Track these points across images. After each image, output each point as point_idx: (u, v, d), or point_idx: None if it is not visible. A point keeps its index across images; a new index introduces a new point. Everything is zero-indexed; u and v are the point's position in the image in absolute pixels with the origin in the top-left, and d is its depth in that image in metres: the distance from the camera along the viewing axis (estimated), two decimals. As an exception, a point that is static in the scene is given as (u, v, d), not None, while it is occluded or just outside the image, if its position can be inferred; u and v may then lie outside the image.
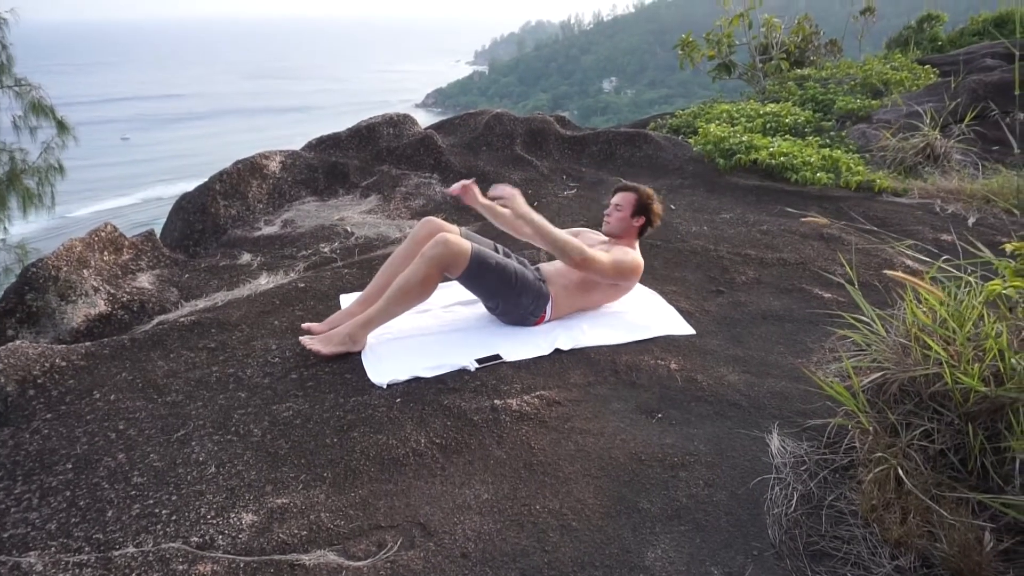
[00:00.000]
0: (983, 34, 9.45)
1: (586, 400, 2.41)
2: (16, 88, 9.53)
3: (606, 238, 3.09)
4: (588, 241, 3.14)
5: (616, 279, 2.94)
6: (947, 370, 1.86)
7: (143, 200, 43.74)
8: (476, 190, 3.02)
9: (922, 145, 5.09)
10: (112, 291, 3.23)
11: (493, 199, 2.93)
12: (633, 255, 2.97)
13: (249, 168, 4.56)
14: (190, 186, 4.53)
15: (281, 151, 4.85)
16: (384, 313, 2.68)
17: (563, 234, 2.81)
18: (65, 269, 3.10)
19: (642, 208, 3.02)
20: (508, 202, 2.83)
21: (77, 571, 1.69)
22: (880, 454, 1.88)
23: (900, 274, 1.98)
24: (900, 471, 1.80)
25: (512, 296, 2.82)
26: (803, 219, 2.88)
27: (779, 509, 1.88)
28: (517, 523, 1.84)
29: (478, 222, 4.25)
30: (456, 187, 3.01)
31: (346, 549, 1.76)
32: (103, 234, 3.47)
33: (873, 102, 6.38)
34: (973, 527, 1.65)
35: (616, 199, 3.06)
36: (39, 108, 9.52)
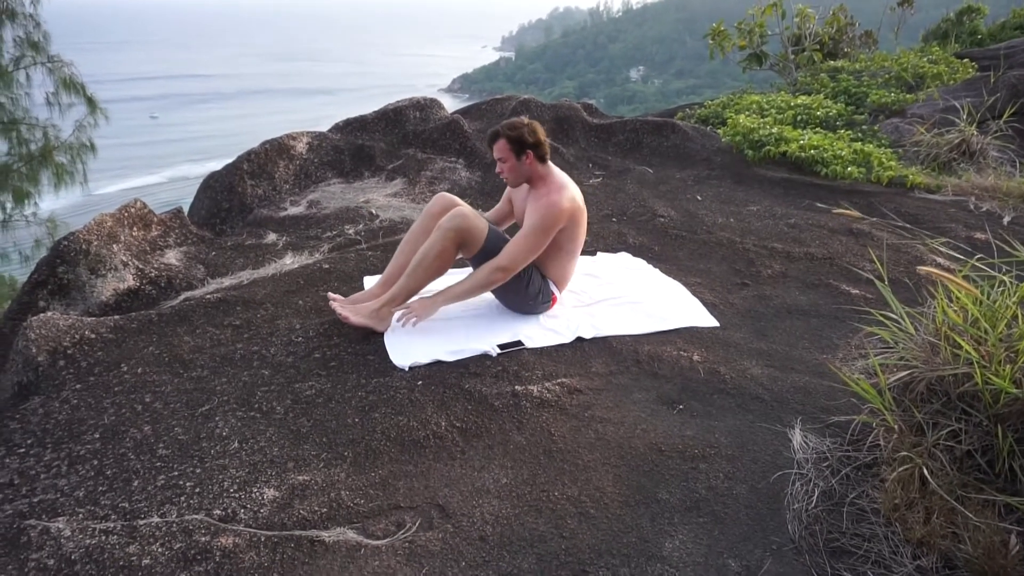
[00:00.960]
0: (1025, 28, 9.19)
1: (607, 389, 2.40)
2: (49, 65, 9.65)
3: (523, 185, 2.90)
4: (518, 199, 2.97)
5: (552, 233, 2.71)
6: (977, 370, 1.83)
7: (170, 179, 44.27)
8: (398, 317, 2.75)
9: (957, 141, 4.98)
10: (140, 266, 3.27)
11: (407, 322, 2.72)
12: (546, 203, 2.70)
13: (276, 148, 4.58)
14: (217, 166, 4.57)
15: (308, 132, 4.87)
16: (406, 289, 2.69)
17: (474, 280, 2.71)
18: (96, 243, 3.15)
19: (519, 145, 2.74)
20: (419, 314, 2.67)
21: (103, 538, 1.73)
22: (905, 453, 1.85)
23: (933, 269, 1.94)
24: (925, 470, 1.77)
25: (521, 284, 2.78)
26: (835, 211, 2.82)
27: (799, 504, 1.86)
28: (535, 508, 1.84)
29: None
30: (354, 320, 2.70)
31: (365, 528, 1.77)
32: (133, 210, 3.52)
33: (908, 96, 6.25)
34: (999, 529, 1.63)
35: (495, 153, 2.79)
36: (70, 85, 9.63)
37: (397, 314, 2.71)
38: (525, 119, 2.84)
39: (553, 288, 2.88)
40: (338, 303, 2.73)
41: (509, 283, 2.75)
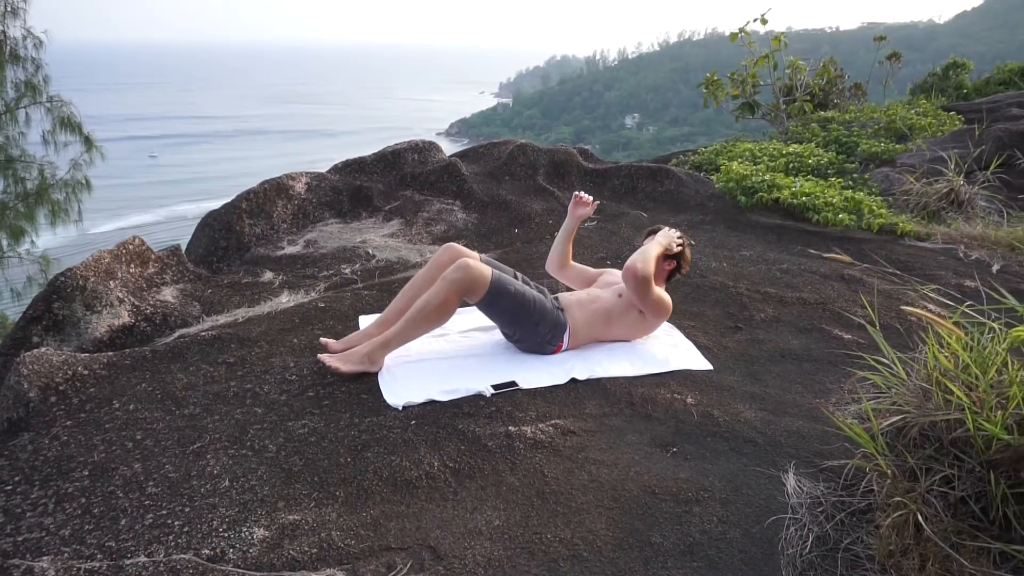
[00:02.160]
0: (1009, 83, 9.46)
1: (601, 431, 2.39)
2: (47, 104, 9.83)
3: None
4: (611, 279, 3.16)
5: (649, 313, 2.94)
6: (969, 416, 1.83)
7: (166, 218, 44.40)
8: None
9: (946, 190, 5.08)
10: (136, 303, 3.28)
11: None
12: (668, 297, 2.99)
13: (275, 188, 4.64)
14: (214, 206, 4.61)
15: (307, 172, 4.93)
16: (403, 335, 2.70)
17: (650, 247, 2.92)
18: (92, 279, 3.16)
19: (675, 254, 3.05)
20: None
21: (88, 578, 1.70)
22: (899, 498, 1.84)
23: (919, 311, 1.96)
24: (920, 517, 1.77)
25: (530, 324, 2.83)
26: (827, 255, 2.87)
27: (794, 550, 1.85)
28: (528, 551, 1.83)
29: (497, 250, 4.28)
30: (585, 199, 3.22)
31: (355, 569, 1.75)
32: (131, 247, 3.54)
33: (897, 146, 6.38)
34: (994, 577, 1.62)
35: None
36: (68, 124, 9.80)
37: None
38: (688, 242, 3.16)
39: (565, 338, 2.90)
40: (327, 357, 2.70)
41: (522, 314, 2.80)
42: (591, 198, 3.22)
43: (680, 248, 3.07)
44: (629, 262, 2.84)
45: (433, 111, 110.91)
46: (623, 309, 2.96)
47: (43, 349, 2.70)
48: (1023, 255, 4.21)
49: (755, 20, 8.59)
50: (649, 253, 2.88)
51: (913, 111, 7.45)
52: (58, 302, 3.06)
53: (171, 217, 44.26)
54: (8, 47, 9.33)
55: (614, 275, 3.19)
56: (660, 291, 2.94)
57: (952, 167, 5.21)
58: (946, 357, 2.06)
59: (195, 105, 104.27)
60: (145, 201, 49.36)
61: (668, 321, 3.25)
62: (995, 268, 4.10)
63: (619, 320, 2.96)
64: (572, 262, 3.37)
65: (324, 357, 2.69)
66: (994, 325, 2.09)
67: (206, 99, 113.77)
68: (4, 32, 9.30)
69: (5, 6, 9.30)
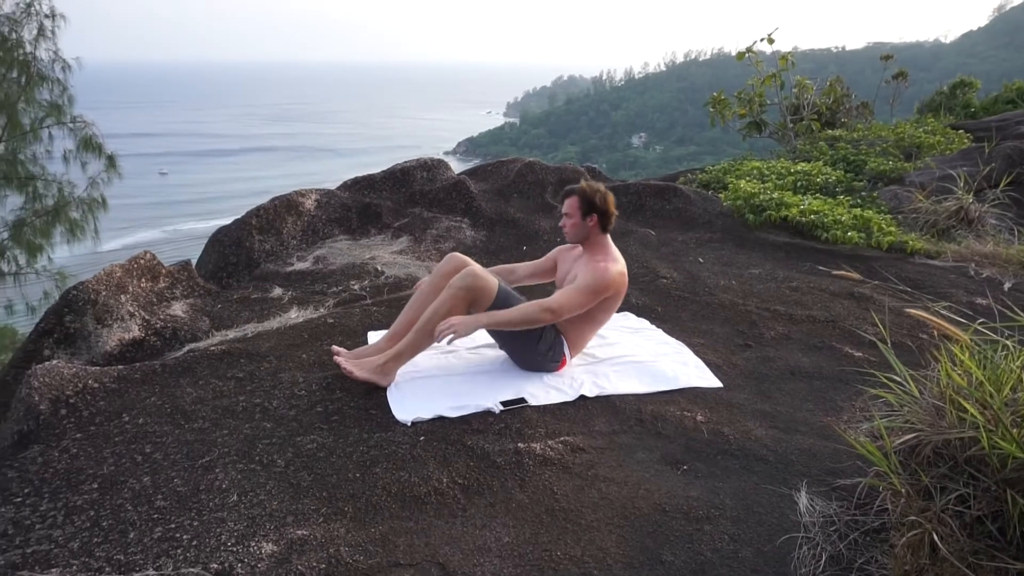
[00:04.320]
0: (1017, 102, 9.46)
1: (610, 448, 2.38)
2: (70, 125, 9.99)
3: (580, 253, 3.00)
4: (566, 261, 3.06)
5: (598, 299, 2.82)
6: (984, 434, 1.82)
7: (173, 236, 44.63)
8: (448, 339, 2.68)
9: (955, 208, 5.07)
10: (147, 317, 3.29)
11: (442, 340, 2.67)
12: (602, 269, 2.81)
13: (285, 205, 4.67)
14: (221, 224, 4.64)
15: (317, 189, 4.97)
16: (414, 346, 2.70)
17: (521, 311, 2.70)
18: (104, 293, 3.18)
19: (588, 206, 2.87)
20: (459, 331, 2.60)
21: (96, 592, 1.69)
22: (913, 518, 1.82)
23: (931, 317, 1.95)
24: (935, 536, 1.74)
25: (531, 341, 2.81)
26: (836, 272, 2.86)
27: (807, 569, 1.82)
28: (538, 568, 1.81)
29: (499, 265, 4.28)
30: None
31: (364, 585, 1.74)
32: (142, 262, 3.56)
33: (905, 164, 6.38)
34: (1012, 598, 1.59)
35: (563, 208, 2.94)
36: (90, 144, 9.95)
37: (440, 327, 2.61)
38: (602, 187, 2.96)
39: (566, 350, 2.89)
40: (342, 357, 2.74)
41: (522, 335, 2.78)
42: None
43: None
44: (543, 324, 2.76)
45: (440, 130, 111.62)
46: (590, 309, 2.84)
47: (54, 362, 2.71)
48: (1035, 273, 4.19)
49: (762, 40, 8.64)
50: (515, 319, 2.69)
51: (921, 129, 7.46)
52: (70, 315, 3.08)
53: (178, 235, 44.53)
54: (35, 68, 9.53)
55: (566, 257, 3.09)
56: (588, 274, 2.79)
57: (961, 185, 5.20)
58: (959, 375, 2.04)
59: (201, 123, 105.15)
60: (154, 220, 49.67)
61: (677, 338, 3.24)
62: (1007, 286, 4.07)
63: (595, 310, 2.86)
64: (516, 266, 3.22)
65: (339, 358, 2.69)
66: (1008, 343, 2.07)
67: (212, 117, 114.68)
68: (33, 54, 9.51)
69: (38, 29, 9.53)
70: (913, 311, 2.08)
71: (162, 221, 50.03)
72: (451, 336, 2.60)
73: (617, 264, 2.89)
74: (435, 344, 2.72)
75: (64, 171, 10.01)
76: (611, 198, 2.95)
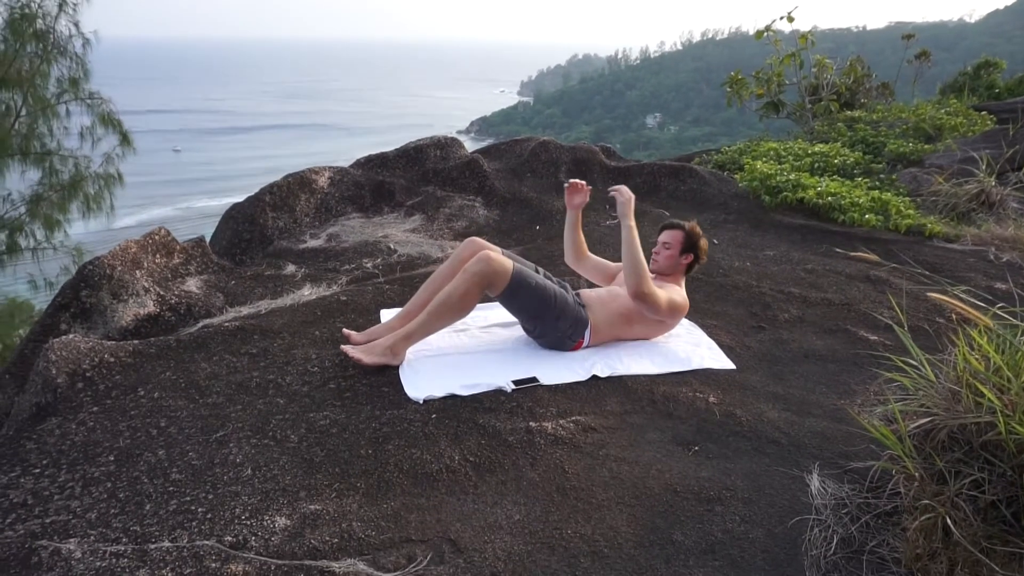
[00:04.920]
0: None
1: (622, 428, 2.38)
2: (88, 101, 10.01)
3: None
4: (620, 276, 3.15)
5: (665, 317, 2.94)
6: (1001, 419, 1.80)
7: (186, 213, 44.79)
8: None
9: (976, 191, 4.98)
10: (161, 293, 3.32)
11: (612, 191, 2.99)
12: (683, 295, 2.99)
13: (298, 182, 4.67)
14: (234, 199, 4.65)
15: (330, 167, 4.96)
16: (425, 327, 2.71)
17: (641, 258, 2.83)
18: (120, 268, 3.21)
19: (690, 245, 3.04)
20: (620, 201, 2.90)
21: (114, 560, 1.72)
22: (927, 501, 1.81)
23: (950, 300, 1.93)
24: (948, 520, 1.73)
25: (550, 318, 2.82)
26: (853, 255, 2.83)
27: (818, 551, 1.82)
28: (548, 546, 1.82)
29: (519, 247, 4.27)
30: (579, 185, 3.15)
31: (376, 560, 1.75)
32: (156, 238, 3.58)
33: (926, 146, 6.28)
34: (1026, 584, 1.58)
35: (664, 237, 3.08)
36: (107, 120, 9.97)
37: (617, 188, 2.94)
38: (701, 232, 3.12)
39: (587, 334, 2.89)
40: (349, 348, 2.72)
41: (543, 308, 2.80)
42: (583, 183, 3.18)
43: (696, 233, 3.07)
44: (628, 287, 2.84)
45: (453, 109, 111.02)
46: (639, 314, 2.94)
47: (71, 336, 2.74)
48: (1056, 258, 4.12)
49: (781, 18, 8.49)
50: (636, 259, 2.82)
51: (943, 111, 7.32)
52: (86, 290, 3.11)
53: (191, 212, 44.71)
54: (54, 40, 9.51)
55: None
56: (671, 293, 2.93)
57: (983, 168, 5.12)
58: (977, 359, 2.01)
59: (214, 101, 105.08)
60: (167, 198, 49.82)
61: (690, 320, 3.23)
62: (1027, 271, 4.02)
63: (639, 320, 2.95)
64: (589, 254, 3.35)
65: (347, 348, 2.70)
66: (1028, 327, 2.04)
67: (225, 94, 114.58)
68: (53, 28, 9.49)
69: (60, 4, 9.49)
70: (934, 294, 2.05)
71: (175, 199, 50.23)
72: (621, 193, 2.91)
73: (685, 298, 3.02)
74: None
75: (79, 147, 10.05)
76: (707, 244, 3.14)
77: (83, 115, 9.99)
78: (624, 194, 2.91)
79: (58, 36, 9.59)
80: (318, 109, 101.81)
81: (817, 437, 2.34)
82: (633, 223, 2.88)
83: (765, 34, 8.44)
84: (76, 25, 9.70)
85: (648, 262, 3.00)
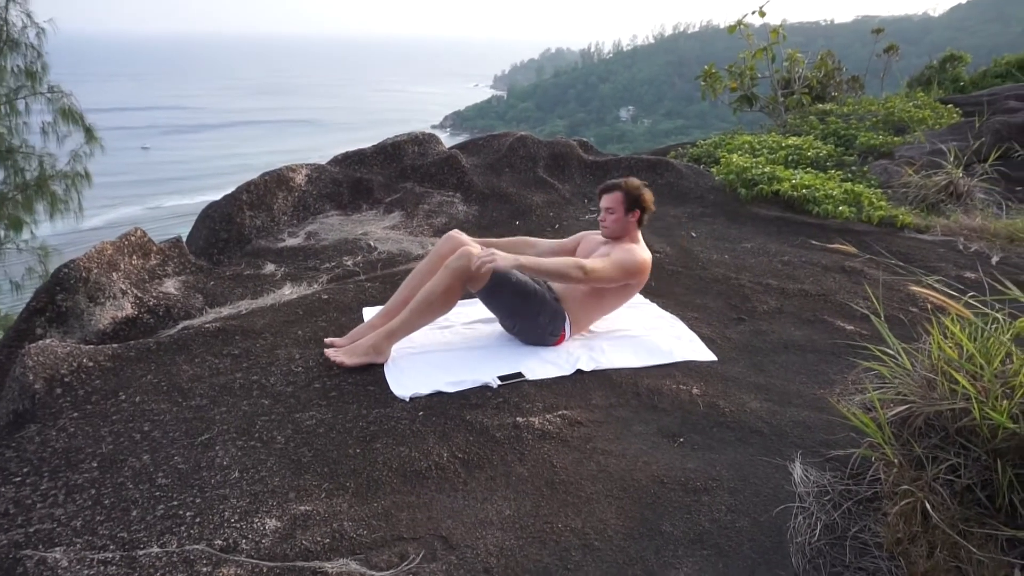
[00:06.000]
0: (1006, 76, 9.48)
1: (608, 421, 2.40)
2: (48, 95, 9.73)
3: (606, 240, 3.04)
4: (590, 245, 3.10)
5: (624, 280, 2.88)
6: (975, 405, 1.85)
7: (157, 213, 43.91)
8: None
9: (945, 183, 5.10)
10: (139, 295, 3.27)
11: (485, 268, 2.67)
12: (636, 251, 2.91)
13: (276, 180, 4.62)
14: (206, 200, 4.58)
15: (307, 164, 4.92)
16: (407, 324, 2.70)
17: (556, 262, 2.75)
18: (96, 271, 3.15)
19: (632, 202, 2.96)
20: (495, 262, 2.60)
21: (102, 568, 1.70)
22: (906, 487, 1.86)
23: (931, 292, 1.98)
24: (927, 505, 1.78)
25: (530, 314, 2.83)
26: (831, 246, 2.88)
27: (802, 538, 1.86)
28: (539, 540, 1.84)
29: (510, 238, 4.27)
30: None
31: (368, 559, 1.76)
32: (133, 239, 3.53)
33: (895, 139, 6.40)
34: (1003, 563, 1.64)
35: (605, 203, 2.98)
36: (69, 115, 9.70)
37: (482, 257, 2.59)
38: (640, 183, 3.03)
39: (567, 327, 2.90)
40: (332, 352, 2.70)
41: (523, 305, 2.79)
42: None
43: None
44: (572, 285, 2.83)
45: (426, 104, 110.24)
46: (604, 290, 2.91)
47: (47, 341, 2.69)
48: (1022, 246, 4.23)
49: (753, 13, 8.58)
50: (552, 272, 2.73)
51: (911, 104, 7.47)
52: (61, 294, 3.05)
53: (162, 212, 43.85)
54: (6, 33, 9.21)
55: (590, 241, 3.12)
56: (621, 255, 2.84)
57: (951, 159, 5.23)
58: (951, 347, 2.07)
59: (181, 97, 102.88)
60: (137, 197, 48.75)
61: (671, 312, 3.27)
62: (995, 260, 4.12)
63: (607, 291, 2.91)
64: (539, 241, 3.21)
65: (329, 352, 2.70)
66: (998, 315, 2.10)
67: (192, 91, 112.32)
68: (4, 18, 9.17)
69: None
70: (917, 288, 2.10)
71: (144, 198, 49.20)
72: (490, 264, 2.60)
73: (646, 254, 2.97)
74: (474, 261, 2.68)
75: (43, 145, 9.77)
76: (650, 194, 3.05)
77: (45, 113, 9.72)
78: (490, 259, 2.60)
79: (9, 27, 9.28)
80: (288, 105, 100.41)
81: (799, 426, 2.39)
82: (517, 260, 2.63)
83: (738, 28, 8.53)
84: (29, 16, 9.40)
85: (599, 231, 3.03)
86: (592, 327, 3.08)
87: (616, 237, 3.00)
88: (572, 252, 3.16)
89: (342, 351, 2.71)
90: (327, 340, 2.88)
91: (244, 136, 75.15)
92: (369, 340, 2.71)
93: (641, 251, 2.95)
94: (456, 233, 2.97)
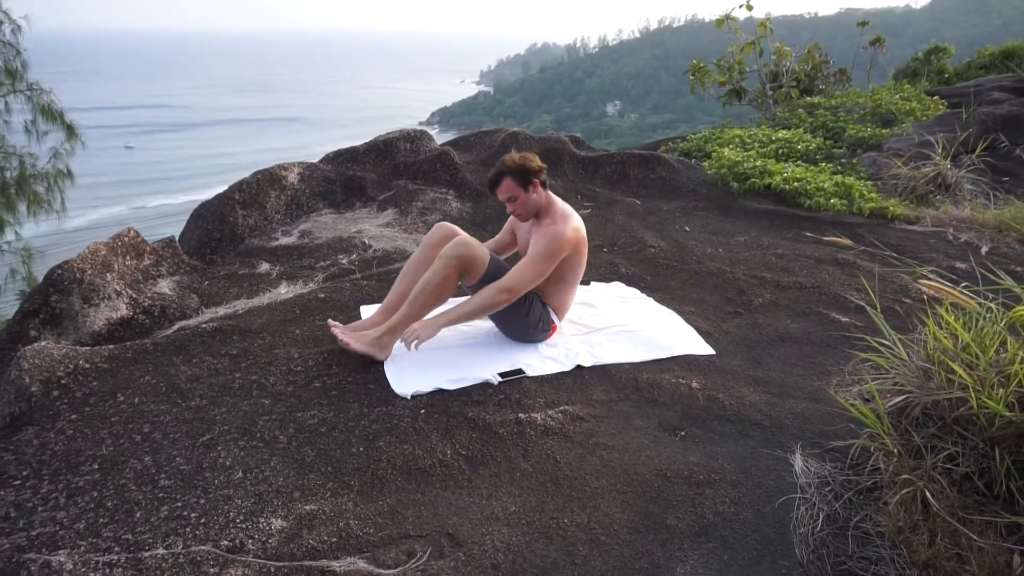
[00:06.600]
0: (990, 67, 9.58)
1: (609, 416, 2.42)
2: (27, 92, 9.61)
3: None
4: (520, 229, 3.02)
5: (556, 261, 2.77)
6: (972, 394, 1.88)
7: (144, 212, 43.47)
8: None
9: (933, 174, 5.15)
10: (134, 295, 3.24)
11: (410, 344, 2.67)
12: (552, 231, 2.76)
13: (268, 179, 4.59)
14: (195, 199, 4.54)
15: (300, 163, 4.89)
16: (408, 318, 2.70)
17: (479, 300, 2.68)
18: (89, 272, 3.12)
19: (523, 176, 2.78)
20: (423, 335, 2.63)
21: (108, 571, 1.69)
22: (905, 476, 1.88)
23: (934, 283, 2.00)
24: (927, 493, 1.81)
25: (519, 313, 2.81)
26: (826, 238, 2.90)
27: (805, 529, 1.88)
28: (546, 536, 1.85)
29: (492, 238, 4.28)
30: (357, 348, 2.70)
31: (376, 557, 1.76)
32: (126, 239, 3.50)
33: (883, 131, 6.45)
34: (1003, 550, 1.66)
35: (501, 195, 2.84)
36: (49, 112, 9.59)
37: (405, 335, 2.64)
38: (516, 154, 2.86)
39: (553, 317, 2.91)
40: (339, 329, 2.73)
41: (510, 310, 2.77)
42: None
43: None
44: (500, 305, 2.73)
45: (412, 100, 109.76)
46: (559, 271, 2.83)
47: (43, 343, 2.67)
48: (1011, 236, 4.29)
49: (740, 6, 8.62)
50: (477, 311, 2.71)
51: (898, 96, 7.53)
52: (55, 295, 3.02)
53: (147, 212, 43.41)
54: None
55: (520, 225, 3.03)
56: (540, 241, 2.74)
57: (939, 151, 5.28)
58: (946, 337, 2.10)
59: (164, 96, 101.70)
60: (121, 197, 48.20)
61: (668, 307, 3.28)
62: (984, 250, 4.17)
63: (562, 269, 2.82)
64: (489, 247, 3.01)
65: (336, 330, 2.69)
66: (992, 305, 2.13)
67: (175, 89, 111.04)
68: None
69: None
70: (920, 280, 2.13)
71: (129, 198, 48.68)
72: (416, 342, 2.60)
73: (568, 221, 2.79)
74: (399, 343, 2.70)
75: (25, 144, 9.64)
76: (533, 154, 2.86)
77: (25, 111, 9.60)
78: (413, 337, 2.61)
79: None
80: (273, 103, 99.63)
81: (798, 418, 2.41)
82: (438, 322, 2.68)
83: (726, 22, 8.55)
84: (5, 12, 9.27)
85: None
86: (585, 317, 3.10)
87: (534, 216, 2.88)
88: (512, 242, 3.11)
89: (349, 335, 2.70)
90: (329, 322, 2.84)
91: (230, 134, 74.55)
92: (373, 334, 2.71)
93: (559, 226, 2.76)
94: (445, 224, 2.95)
